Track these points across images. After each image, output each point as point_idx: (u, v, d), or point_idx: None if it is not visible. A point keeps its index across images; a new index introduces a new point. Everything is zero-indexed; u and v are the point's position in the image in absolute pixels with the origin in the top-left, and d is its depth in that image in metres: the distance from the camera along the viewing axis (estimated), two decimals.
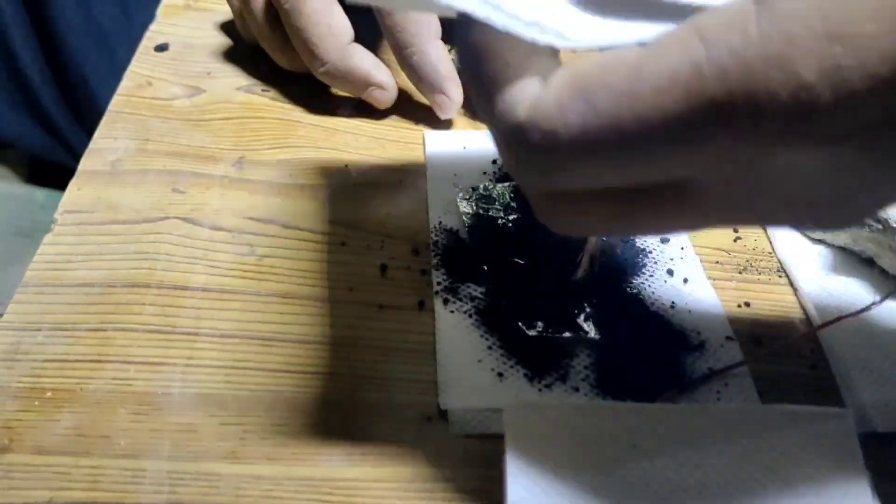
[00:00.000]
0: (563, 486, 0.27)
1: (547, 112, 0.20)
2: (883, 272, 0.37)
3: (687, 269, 0.38)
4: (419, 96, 0.48)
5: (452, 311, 0.35)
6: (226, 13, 0.52)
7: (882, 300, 0.35)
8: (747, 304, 0.37)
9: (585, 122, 0.20)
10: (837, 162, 0.19)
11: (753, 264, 0.39)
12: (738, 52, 0.18)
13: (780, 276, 0.39)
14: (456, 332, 0.34)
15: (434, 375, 0.33)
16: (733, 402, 0.32)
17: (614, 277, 0.36)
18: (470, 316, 0.35)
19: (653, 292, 0.36)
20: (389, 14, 0.43)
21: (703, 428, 0.29)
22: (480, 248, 0.37)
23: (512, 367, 0.33)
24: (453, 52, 0.45)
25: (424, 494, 0.29)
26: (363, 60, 0.45)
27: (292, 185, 0.42)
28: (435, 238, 0.38)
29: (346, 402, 0.32)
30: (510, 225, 0.38)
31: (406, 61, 0.45)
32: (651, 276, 0.37)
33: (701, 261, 0.38)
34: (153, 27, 0.53)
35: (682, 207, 0.21)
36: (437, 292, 0.36)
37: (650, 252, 0.38)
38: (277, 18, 0.45)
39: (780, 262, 0.39)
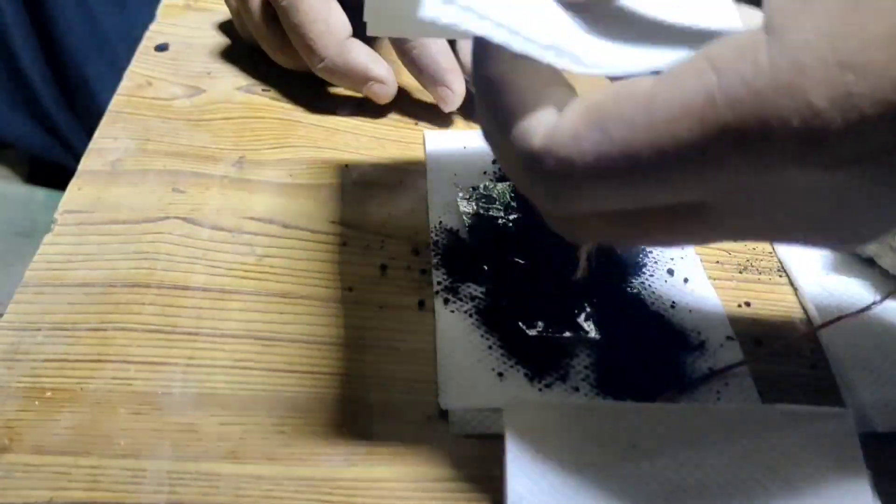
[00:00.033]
0: (564, 485, 0.27)
1: (562, 140, 0.21)
2: (883, 272, 0.37)
3: (687, 269, 0.38)
4: (419, 94, 0.48)
5: (453, 311, 0.35)
6: (226, 13, 0.52)
7: (882, 300, 0.35)
8: (747, 304, 0.37)
9: (600, 151, 0.20)
10: (848, 185, 0.19)
11: (754, 264, 0.39)
12: (749, 82, 0.18)
13: (780, 276, 0.39)
14: (456, 331, 0.34)
15: (434, 375, 0.33)
16: (733, 402, 0.32)
17: (614, 277, 0.36)
18: (470, 316, 0.35)
19: (653, 292, 0.36)
20: None
21: (703, 428, 0.29)
22: (480, 247, 0.37)
23: (512, 366, 0.33)
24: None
25: (425, 494, 0.29)
26: (361, 55, 0.45)
27: (292, 185, 0.42)
28: (435, 238, 0.38)
29: (346, 401, 0.32)
30: (510, 225, 0.38)
31: (406, 55, 0.45)
32: (651, 275, 0.37)
33: (701, 260, 0.38)
34: (153, 27, 0.53)
35: (695, 225, 0.22)
36: (437, 292, 0.36)
37: (650, 252, 0.38)
38: (275, 17, 0.45)
39: (780, 261, 0.39)
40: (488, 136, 0.25)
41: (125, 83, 0.48)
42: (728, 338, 0.34)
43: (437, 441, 0.31)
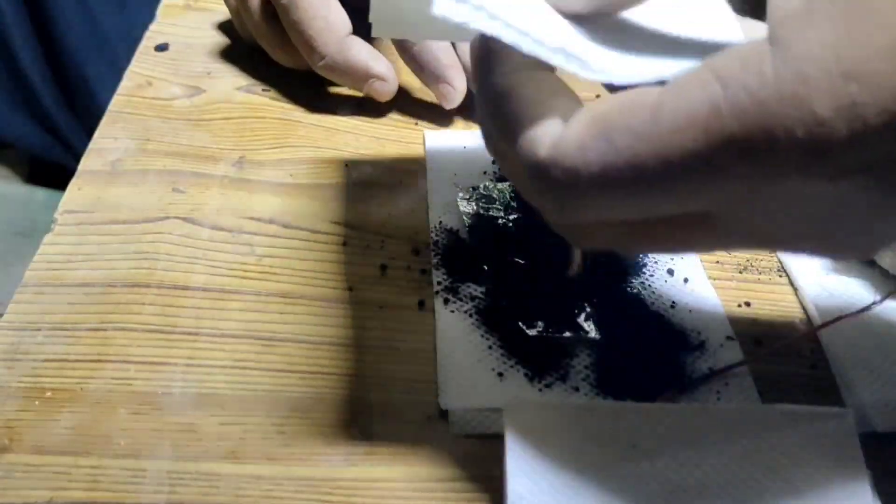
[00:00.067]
0: (564, 485, 0.27)
1: (568, 150, 0.21)
2: (883, 272, 0.37)
3: (687, 269, 0.38)
4: (418, 94, 0.48)
5: (453, 311, 0.35)
6: (225, 13, 0.52)
7: (882, 300, 0.35)
8: (747, 304, 0.37)
9: (606, 161, 0.20)
10: (853, 195, 0.19)
11: (754, 264, 0.39)
12: (754, 92, 0.18)
13: (780, 276, 0.39)
14: (456, 331, 0.34)
15: (434, 375, 0.33)
16: (733, 402, 0.32)
17: (614, 277, 0.37)
18: (470, 316, 0.35)
19: (653, 292, 0.36)
20: None
21: (703, 428, 0.29)
22: (480, 247, 0.37)
23: (512, 366, 0.33)
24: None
25: (424, 494, 0.29)
26: (362, 52, 0.45)
27: (292, 185, 0.42)
28: (435, 238, 0.38)
29: (346, 401, 0.32)
30: (510, 225, 0.38)
31: (407, 52, 0.45)
32: (651, 275, 0.37)
33: (701, 260, 0.38)
34: (153, 27, 0.53)
35: (700, 234, 0.22)
36: (437, 292, 0.36)
37: None
38: (274, 15, 0.45)
39: (780, 261, 0.39)
40: (492, 145, 0.25)
41: (125, 83, 0.48)
42: (728, 338, 0.34)
43: (437, 441, 0.31)
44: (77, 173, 0.41)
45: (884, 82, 0.17)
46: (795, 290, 0.38)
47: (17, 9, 0.76)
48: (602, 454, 0.28)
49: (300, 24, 0.43)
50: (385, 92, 0.46)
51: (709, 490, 0.27)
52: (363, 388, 0.32)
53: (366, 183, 0.42)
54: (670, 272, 0.37)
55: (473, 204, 0.39)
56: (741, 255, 0.39)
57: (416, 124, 0.47)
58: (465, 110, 0.46)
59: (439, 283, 0.36)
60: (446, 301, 0.35)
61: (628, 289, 0.36)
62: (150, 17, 0.54)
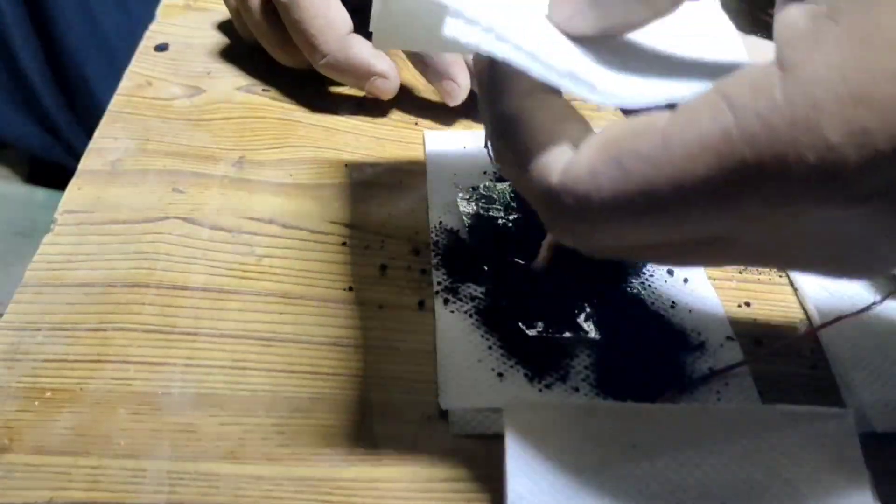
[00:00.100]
0: (564, 486, 0.27)
1: (579, 177, 0.21)
2: None
3: (687, 269, 0.38)
4: (419, 94, 0.48)
5: (452, 311, 0.35)
6: (225, 13, 0.52)
7: (882, 300, 0.35)
8: (747, 304, 0.37)
9: (617, 187, 0.20)
10: (865, 219, 0.19)
11: None
12: (765, 117, 0.18)
13: (780, 276, 0.39)
14: (456, 332, 0.34)
15: (434, 375, 0.33)
16: (733, 402, 0.32)
17: (614, 277, 0.36)
18: (470, 316, 0.35)
19: (653, 292, 0.36)
20: None
21: (703, 428, 0.29)
22: (480, 248, 0.37)
23: (512, 367, 0.33)
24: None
25: (424, 494, 0.29)
26: (363, 50, 0.44)
27: (292, 185, 0.42)
28: (435, 238, 0.38)
29: (346, 401, 0.32)
30: (510, 225, 0.38)
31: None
32: (651, 275, 0.37)
33: None
34: (153, 27, 0.53)
35: (711, 253, 0.22)
36: (437, 292, 0.36)
37: None
38: (275, 14, 0.45)
39: None
40: (506, 169, 0.25)
41: (125, 83, 0.48)
42: (728, 338, 0.34)
43: (437, 441, 0.31)
44: (77, 173, 0.41)
45: (893, 107, 0.17)
46: (795, 290, 0.38)
47: (17, 9, 0.76)
48: (602, 454, 0.28)
49: (301, 22, 0.43)
50: (387, 90, 0.46)
51: (709, 490, 0.27)
52: (363, 388, 0.32)
53: (366, 183, 0.42)
54: (670, 272, 0.37)
55: (473, 204, 0.39)
56: None
57: (416, 124, 0.47)
58: (467, 109, 0.46)
59: (439, 283, 0.36)
60: (446, 301, 0.35)
61: (628, 289, 0.36)
62: (150, 17, 0.54)
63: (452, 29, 0.22)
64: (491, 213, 0.39)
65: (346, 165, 0.43)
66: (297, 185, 0.42)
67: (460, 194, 0.40)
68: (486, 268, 0.36)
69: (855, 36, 0.18)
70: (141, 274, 0.36)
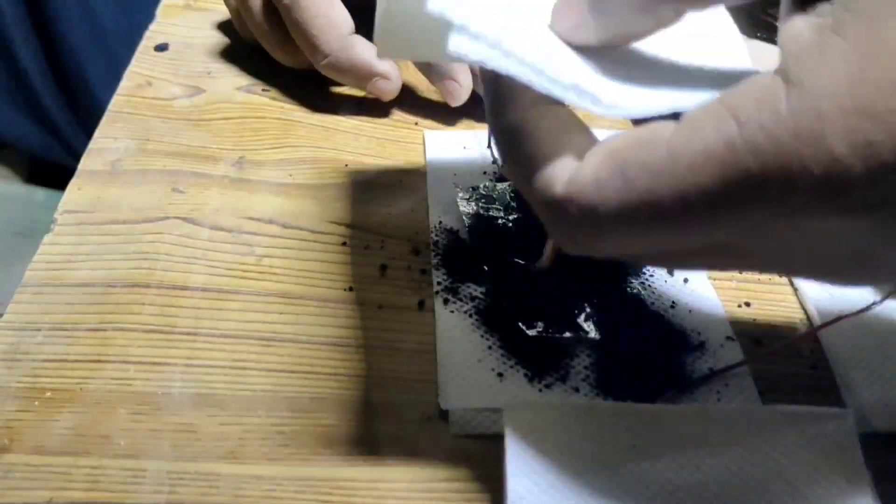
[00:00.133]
0: (564, 486, 0.27)
1: (584, 187, 0.21)
2: None
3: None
4: (419, 94, 0.48)
5: (452, 311, 0.35)
6: (225, 13, 0.52)
7: (882, 300, 0.35)
8: (747, 304, 0.37)
9: (622, 198, 0.20)
10: (870, 229, 0.20)
11: None
12: (769, 130, 0.18)
13: (780, 276, 0.39)
14: (456, 332, 0.34)
15: (434, 375, 0.33)
16: (734, 403, 0.32)
17: (614, 277, 0.36)
18: (470, 316, 0.35)
19: (653, 292, 0.36)
20: None
21: (703, 428, 0.29)
22: (480, 248, 0.37)
23: (512, 367, 0.33)
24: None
25: (424, 494, 0.29)
26: (365, 51, 0.44)
27: (292, 185, 0.42)
28: (435, 238, 0.38)
29: (346, 402, 0.32)
30: (510, 225, 0.38)
31: None
32: (651, 275, 0.37)
33: None
34: (153, 27, 0.53)
35: (715, 259, 0.22)
36: (437, 292, 0.36)
37: None
38: (275, 14, 0.45)
39: None
40: (512, 178, 0.25)
41: (125, 83, 0.48)
42: (728, 338, 0.34)
43: (437, 441, 0.31)
44: (77, 173, 0.41)
45: None
46: (795, 290, 0.38)
47: (18, 9, 0.76)
48: (602, 455, 0.28)
49: (302, 23, 0.43)
50: (388, 90, 0.46)
51: (709, 490, 0.27)
52: (363, 388, 0.32)
53: (366, 183, 0.42)
54: (670, 272, 0.37)
55: (473, 204, 0.39)
56: None
57: (416, 124, 0.47)
58: (468, 109, 0.46)
59: (439, 283, 0.36)
60: (446, 301, 0.35)
61: (628, 289, 0.36)
62: (150, 17, 0.54)
63: (457, 46, 0.22)
64: (491, 213, 0.39)
65: (346, 165, 0.43)
66: (297, 185, 0.42)
67: (460, 194, 0.40)
68: (486, 268, 0.36)
69: (860, 50, 0.18)
70: (141, 274, 0.36)
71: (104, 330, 0.34)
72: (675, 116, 0.21)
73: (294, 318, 0.35)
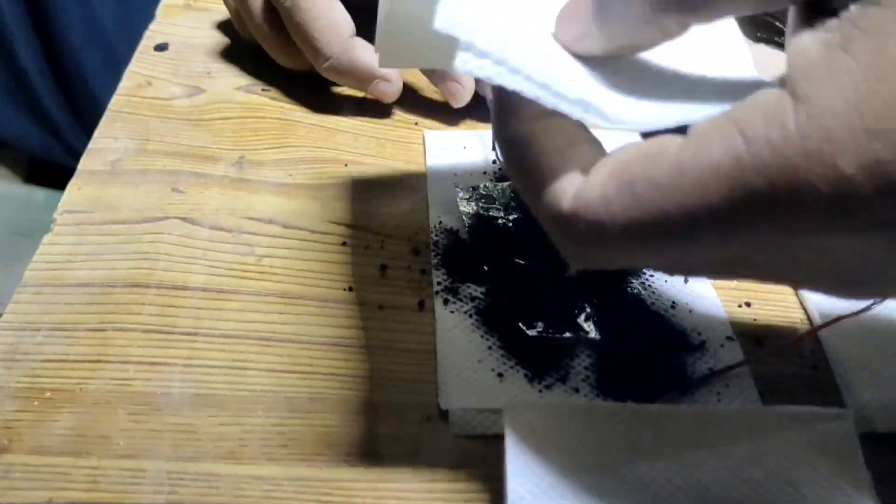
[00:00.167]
0: (564, 486, 0.27)
1: (591, 202, 0.21)
2: None
3: None
4: (419, 94, 0.48)
5: (452, 312, 0.35)
6: (225, 13, 0.52)
7: (882, 300, 0.35)
8: (748, 304, 0.37)
9: (630, 214, 0.20)
10: (878, 246, 0.20)
11: None
12: (777, 147, 0.18)
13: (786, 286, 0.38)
14: (456, 332, 0.34)
15: (434, 375, 0.32)
16: (734, 403, 0.32)
17: (614, 277, 0.36)
18: (470, 316, 0.35)
19: (653, 292, 0.36)
20: None
21: (703, 429, 0.29)
22: (480, 248, 0.37)
23: (512, 367, 0.33)
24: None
25: (424, 495, 0.29)
26: (366, 53, 0.44)
27: (292, 185, 0.42)
28: (435, 238, 0.38)
29: (346, 402, 0.32)
30: (510, 225, 0.38)
31: None
32: (651, 275, 0.37)
33: None
34: (153, 27, 0.53)
35: (721, 270, 0.23)
36: (437, 292, 0.36)
37: None
38: (276, 16, 0.45)
39: None
40: (523, 196, 0.25)
41: (125, 83, 0.48)
42: (728, 338, 0.34)
43: (437, 441, 0.31)
44: (77, 173, 0.41)
45: None
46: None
47: (17, 8, 0.76)
48: (602, 455, 0.28)
49: (304, 25, 0.43)
50: (389, 92, 0.46)
51: (709, 491, 0.27)
52: (363, 388, 0.32)
53: (366, 183, 0.42)
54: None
55: (473, 204, 0.39)
56: None
57: (417, 124, 0.47)
58: (468, 110, 0.46)
59: (439, 283, 0.36)
60: (446, 301, 0.35)
61: (628, 289, 0.36)
62: (150, 16, 0.54)
63: (464, 62, 0.22)
64: (491, 213, 0.39)
65: (346, 165, 0.43)
66: (297, 185, 0.42)
67: (460, 194, 0.40)
68: (486, 268, 0.36)
69: (868, 67, 0.18)
70: (141, 274, 0.36)
71: (104, 330, 0.34)
72: (682, 130, 0.21)
73: (294, 318, 0.35)
